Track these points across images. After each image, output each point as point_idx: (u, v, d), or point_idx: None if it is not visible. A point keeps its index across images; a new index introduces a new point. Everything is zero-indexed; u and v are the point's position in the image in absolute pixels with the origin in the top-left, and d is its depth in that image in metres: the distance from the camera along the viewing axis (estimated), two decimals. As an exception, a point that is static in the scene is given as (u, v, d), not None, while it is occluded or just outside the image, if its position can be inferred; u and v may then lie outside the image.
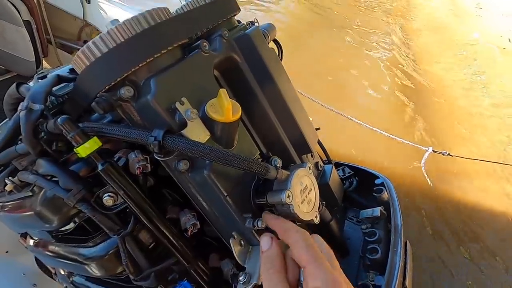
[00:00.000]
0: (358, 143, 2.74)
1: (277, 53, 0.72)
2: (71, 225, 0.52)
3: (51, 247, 0.57)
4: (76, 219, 0.50)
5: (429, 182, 2.25)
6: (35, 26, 2.20)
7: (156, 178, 0.54)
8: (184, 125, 0.42)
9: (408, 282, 0.58)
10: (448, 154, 2.09)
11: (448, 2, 6.52)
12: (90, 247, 0.52)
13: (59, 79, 0.55)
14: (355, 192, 0.84)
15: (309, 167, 0.51)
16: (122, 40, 0.39)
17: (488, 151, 2.93)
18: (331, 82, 3.61)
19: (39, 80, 0.60)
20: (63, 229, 0.53)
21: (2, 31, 2.08)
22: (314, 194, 0.51)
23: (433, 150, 2.15)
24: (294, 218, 0.48)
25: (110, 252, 0.52)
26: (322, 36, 4.66)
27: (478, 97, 3.76)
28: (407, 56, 4.51)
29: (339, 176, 0.87)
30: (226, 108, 0.43)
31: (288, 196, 0.45)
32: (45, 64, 2.46)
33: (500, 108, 3.50)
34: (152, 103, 0.41)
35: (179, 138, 0.39)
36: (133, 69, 0.40)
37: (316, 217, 0.50)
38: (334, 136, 2.78)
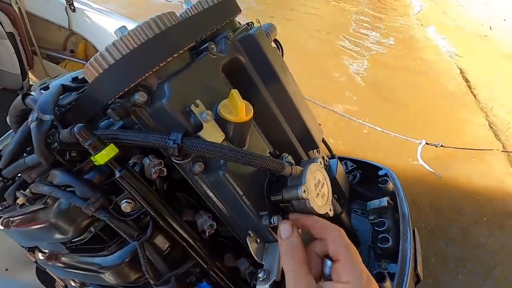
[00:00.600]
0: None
1: (280, 53, 0.73)
2: (86, 235, 0.51)
3: (64, 259, 0.56)
4: (92, 228, 0.50)
5: (436, 174, 2.29)
6: (19, 37, 2.15)
7: (170, 182, 0.54)
8: (199, 127, 0.42)
9: (419, 268, 0.60)
10: (441, 146, 2.15)
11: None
12: (106, 255, 0.52)
13: (64, 88, 0.55)
14: (358, 185, 0.86)
15: (320, 162, 0.53)
16: (135, 46, 0.39)
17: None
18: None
19: (42, 91, 0.59)
20: (77, 239, 0.52)
21: (-15, 45, 2.02)
22: (326, 188, 0.52)
23: (426, 143, 2.20)
24: (310, 213, 0.49)
25: (126, 259, 0.52)
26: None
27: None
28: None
29: (343, 170, 0.89)
30: (239, 108, 0.44)
31: (304, 191, 0.46)
32: (31, 76, 2.40)
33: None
34: (168, 106, 0.41)
35: (197, 140, 0.40)
36: (146, 75, 0.40)
37: (330, 210, 0.51)
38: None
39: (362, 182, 0.85)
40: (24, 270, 1.22)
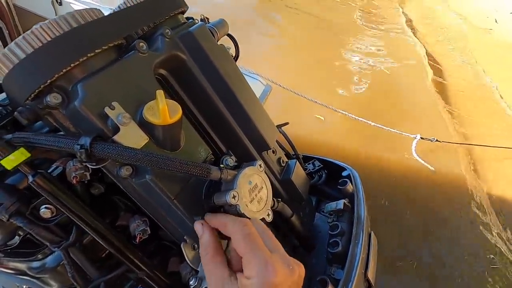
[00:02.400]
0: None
1: (235, 49, 0.70)
2: (16, 239, 0.50)
3: (3, 263, 0.55)
4: (20, 232, 0.48)
5: (430, 167, 2.25)
6: (7, 31, 2.15)
7: (106, 184, 0.52)
8: (117, 130, 0.40)
9: (370, 273, 0.58)
10: (436, 140, 2.10)
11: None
12: (40, 259, 0.51)
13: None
14: (325, 185, 0.83)
15: (260, 165, 0.50)
16: (40, 44, 0.37)
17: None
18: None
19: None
20: (9, 243, 0.51)
21: (-27, 38, 2.02)
22: (265, 192, 0.50)
23: (421, 137, 2.16)
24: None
25: (62, 262, 0.50)
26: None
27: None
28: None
29: (309, 170, 0.87)
30: (161, 110, 0.41)
31: (234, 197, 0.44)
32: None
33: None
34: (81, 109, 0.39)
35: (108, 144, 0.38)
36: (57, 75, 0.38)
37: (268, 215, 0.49)
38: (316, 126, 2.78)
39: (328, 182, 0.82)
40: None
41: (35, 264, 0.51)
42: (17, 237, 0.49)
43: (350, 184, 0.72)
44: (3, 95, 0.53)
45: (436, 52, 4.42)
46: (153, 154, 0.38)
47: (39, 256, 0.50)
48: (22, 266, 0.52)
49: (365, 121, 2.27)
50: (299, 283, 0.38)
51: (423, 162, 2.31)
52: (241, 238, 0.38)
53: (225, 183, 0.47)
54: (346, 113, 2.17)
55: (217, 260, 0.39)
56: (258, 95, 1.89)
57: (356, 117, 2.19)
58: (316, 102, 2.20)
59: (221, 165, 0.47)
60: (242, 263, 0.37)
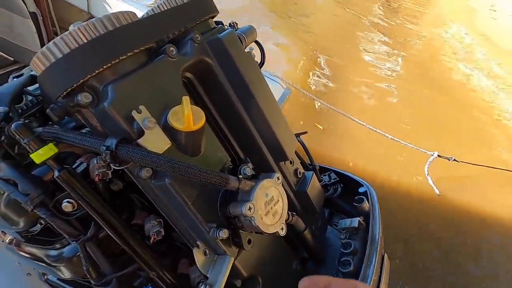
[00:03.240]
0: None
1: (261, 56, 0.70)
2: (38, 227, 0.52)
3: (23, 247, 0.58)
4: (42, 221, 0.50)
5: (436, 191, 2.16)
6: (41, 17, 2.23)
7: (125, 182, 0.53)
8: (142, 134, 0.41)
9: (381, 297, 0.56)
10: (454, 160, 2.03)
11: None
12: (58, 249, 0.52)
13: (32, 79, 0.55)
14: (340, 198, 0.82)
15: (278, 178, 0.50)
16: (78, 45, 0.38)
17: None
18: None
19: (14, 79, 0.60)
20: (31, 229, 0.53)
21: (10, 23, 2.11)
22: (281, 206, 0.50)
23: (438, 155, 2.08)
24: (257, 230, 0.47)
25: (78, 254, 0.52)
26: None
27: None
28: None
29: (325, 182, 0.85)
30: (186, 116, 0.42)
31: (250, 209, 0.44)
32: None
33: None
34: (109, 110, 0.40)
35: (133, 148, 0.38)
36: (89, 76, 0.39)
37: (282, 229, 0.49)
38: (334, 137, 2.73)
39: (343, 196, 0.81)
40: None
41: (53, 252, 0.53)
42: (38, 225, 0.51)
43: (366, 202, 0.70)
44: (36, 85, 0.55)
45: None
46: (175, 161, 0.39)
47: (57, 246, 0.52)
48: (40, 252, 0.54)
49: (383, 133, 2.21)
50: None
51: (431, 183, 2.20)
52: None
53: (242, 194, 0.47)
54: (365, 124, 2.12)
55: None
56: (277, 98, 1.88)
57: (375, 129, 2.14)
58: (335, 110, 2.17)
59: (240, 175, 0.47)
60: None
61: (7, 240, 0.62)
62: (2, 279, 1.26)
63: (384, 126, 2.33)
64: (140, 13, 0.48)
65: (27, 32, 2.19)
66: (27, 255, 0.58)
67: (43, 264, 0.55)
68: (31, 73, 0.57)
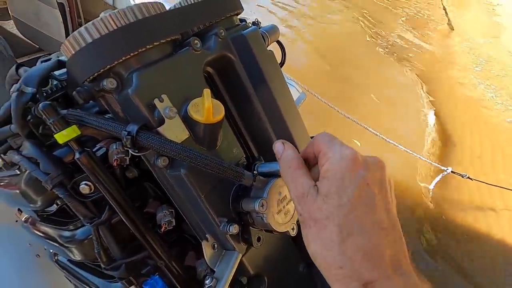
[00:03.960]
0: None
1: (281, 56, 0.70)
2: (54, 207, 0.53)
3: (37, 226, 0.59)
4: (58, 202, 0.51)
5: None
6: (68, 8, 2.30)
7: (140, 170, 0.54)
8: (162, 122, 0.42)
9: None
10: (468, 177, 1.97)
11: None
12: (71, 230, 0.54)
13: (60, 64, 0.56)
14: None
15: (292, 177, 0.50)
16: (108, 31, 0.39)
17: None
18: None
19: (42, 63, 0.62)
20: (47, 209, 0.55)
21: (38, 12, 2.19)
22: (293, 205, 0.49)
23: (452, 171, 2.04)
24: (267, 228, 0.46)
25: (90, 237, 0.53)
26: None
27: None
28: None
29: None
30: (206, 109, 0.42)
31: (262, 205, 0.44)
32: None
33: None
34: (132, 97, 0.41)
35: (152, 135, 0.39)
36: (116, 62, 0.40)
37: (293, 229, 0.49)
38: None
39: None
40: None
41: (66, 233, 0.54)
42: (55, 205, 0.52)
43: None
44: (62, 70, 0.57)
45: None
46: (193, 151, 0.39)
47: (71, 227, 0.53)
48: (53, 232, 0.56)
49: (396, 144, 2.18)
50: (383, 178, 0.35)
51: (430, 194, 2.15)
52: (323, 136, 0.37)
53: (255, 190, 0.47)
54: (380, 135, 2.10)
55: (301, 171, 0.37)
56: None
57: (388, 140, 2.11)
58: (348, 117, 2.15)
59: (254, 171, 0.47)
60: (319, 158, 0.36)
61: (23, 218, 0.64)
62: (12, 259, 1.30)
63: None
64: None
65: (54, 21, 2.26)
66: (40, 234, 0.60)
67: (56, 244, 0.57)
68: (59, 58, 0.58)
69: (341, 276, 0.32)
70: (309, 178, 0.36)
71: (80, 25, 2.46)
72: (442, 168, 2.06)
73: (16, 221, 1.43)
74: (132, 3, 2.27)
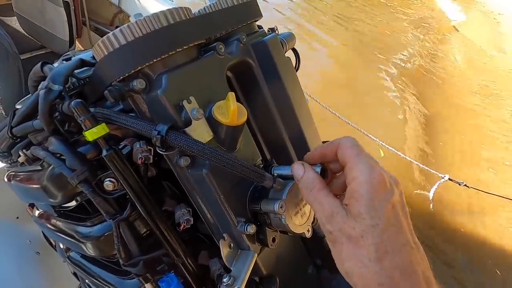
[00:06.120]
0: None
1: (294, 63, 0.72)
2: (73, 203, 0.54)
3: (53, 221, 0.60)
4: (78, 198, 0.52)
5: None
6: (73, 7, 2.31)
7: (159, 169, 0.55)
8: (189, 123, 0.43)
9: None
10: (465, 185, 2.01)
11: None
12: (88, 226, 0.54)
13: (82, 62, 0.58)
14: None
15: (308, 180, 0.51)
16: (140, 35, 0.40)
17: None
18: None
19: (63, 62, 0.63)
20: (65, 205, 0.56)
21: (43, 9, 2.18)
22: (309, 208, 0.51)
23: (449, 179, 2.07)
24: (284, 229, 0.48)
25: (106, 234, 0.54)
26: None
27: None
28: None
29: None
30: (231, 111, 0.44)
31: (281, 207, 0.45)
32: (77, 44, 2.56)
33: None
34: (161, 98, 0.42)
35: (181, 135, 0.40)
36: (146, 64, 0.42)
37: (308, 231, 0.50)
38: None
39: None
40: (33, 222, 1.32)
41: (82, 229, 0.55)
42: (74, 201, 0.53)
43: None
44: (82, 70, 0.58)
45: None
46: (219, 152, 0.41)
47: (88, 224, 0.54)
48: (70, 228, 0.56)
49: (394, 150, 2.21)
50: (403, 199, 0.36)
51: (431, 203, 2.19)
52: (350, 144, 0.37)
53: (274, 192, 0.49)
54: (381, 142, 2.13)
55: (325, 191, 0.38)
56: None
57: (386, 145, 2.14)
58: (350, 124, 2.18)
59: (274, 174, 0.49)
60: (345, 170, 0.37)
61: (37, 213, 0.65)
62: (11, 255, 1.29)
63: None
64: (164, 7, 0.51)
65: (58, 19, 2.26)
66: (55, 229, 0.60)
67: (71, 239, 0.57)
68: (80, 57, 0.60)
69: None
70: (334, 197, 0.37)
71: (84, 24, 2.47)
72: (440, 175, 2.09)
73: (17, 217, 1.43)
74: (138, 3, 2.29)
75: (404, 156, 2.07)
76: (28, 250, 1.30)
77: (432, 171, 2.11)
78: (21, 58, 2.13)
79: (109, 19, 2.50)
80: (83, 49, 2.66)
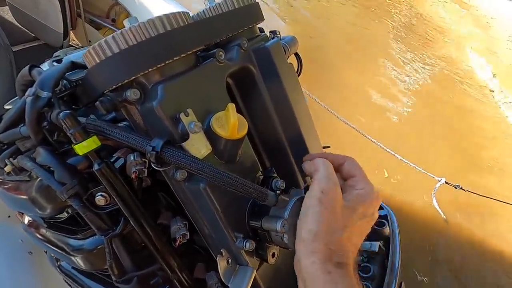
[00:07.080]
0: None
1: (297, 67, 0.69)
2: (64, 215, 0.51)
3: (43, 231, 0.57)
4: (69, 210, 0.50)
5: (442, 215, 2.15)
6: (69, 5, 2.24)
7: (154, 179, 0.53)
8: (186, 136, 0.41)
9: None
10: (461, 188, 2.01)
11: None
12: (80, 239, 0.52)
13: (73, 65, 0.54)
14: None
15: (310, 195, 0.49)
16: (135, 42, 0.38)
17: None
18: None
19: (54, 63, 0.60)
20: (56, 217, 0.53)
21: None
22: (310, 224, 0.49)
23: (445, 182, 2.07)
24: (286, 247, 0.46)
25: (99, 247, 0.51)
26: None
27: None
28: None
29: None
30: (232, 124, 0.41)
31: (283, 226, 0.43)
32: (72, 36, 2.49)
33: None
34: (157, 110, 0.39)
35: (177, 151, 0.38)
36: (141, 73, 0.39)
37: (309, 247, 0.48)
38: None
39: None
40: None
41: (73, 242, 0.53)
42: (65, 213, 0.51)
43: (387, 226, 0.69)
44: (74, 72, 0.55)
45: None
46: (218, 170, 0.38)
47: (79, 236, 0.52)
48: (60, 240, 0.54)
49: (393, 153, 2.20)
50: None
51: (438, 208, 2.20)
52: (358, 166, 0.48)
53: (275, 209, 0.46)
54: (380, 144, 2.11)
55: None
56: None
57: (386, 148, 2.13)
58: (344, 121, 2.16)
59: (277, 191, 0.46)
60: (352, 181, 0.46)
61: (26, 222, 0.62)
62: (2, 255, 1.26)
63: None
64: (175, 8, 0.48)
65: (52, 10, 2.19)
66: (44, 240, 0.58)
67: (60, 251, 0.55)
68: (71, 59, 0.56)
69: None
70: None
71: (79, 16, 2.40)
72: (436, 178, 2.09)
73: (9, 216, 1.39)
74: (134, -4, 2.22)
75: (402, 159, 2.06)
76: (20, 250, 1.27)
77: (428, 173, 2.11)
78: (13, 50, 2.07)
79: (105, 11, 2.43)
80: (77, 41, 2.59)
